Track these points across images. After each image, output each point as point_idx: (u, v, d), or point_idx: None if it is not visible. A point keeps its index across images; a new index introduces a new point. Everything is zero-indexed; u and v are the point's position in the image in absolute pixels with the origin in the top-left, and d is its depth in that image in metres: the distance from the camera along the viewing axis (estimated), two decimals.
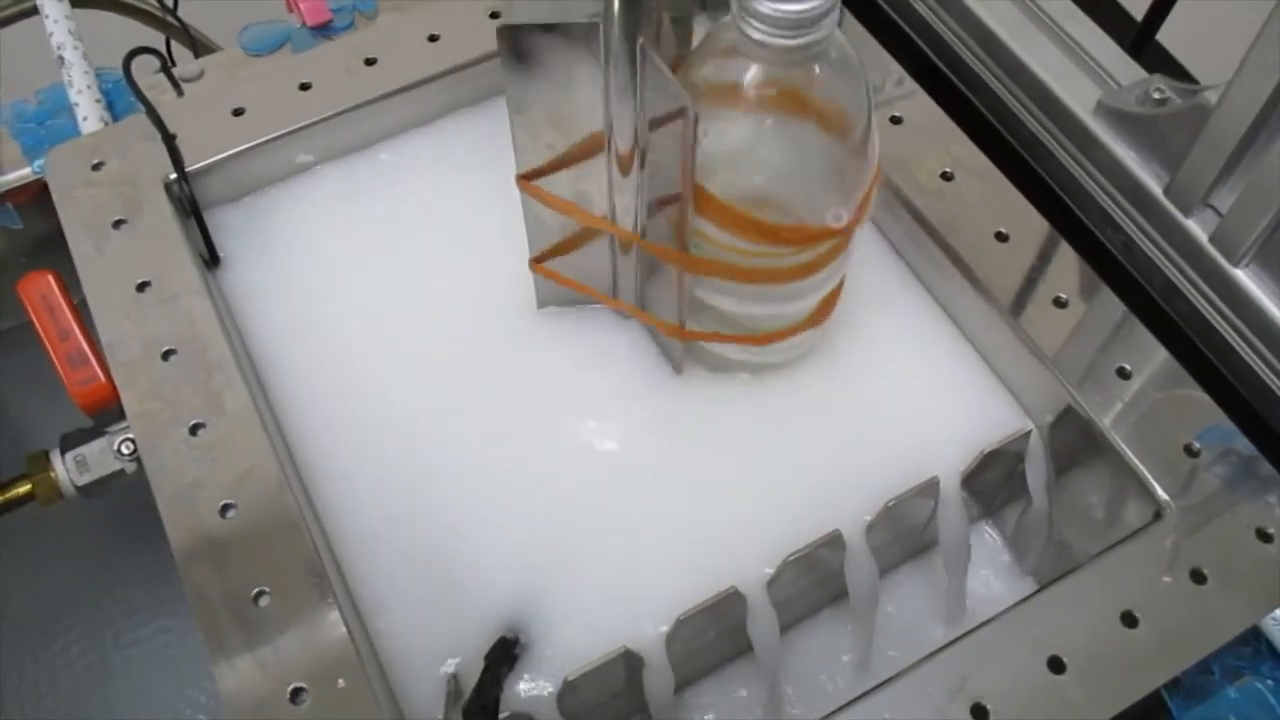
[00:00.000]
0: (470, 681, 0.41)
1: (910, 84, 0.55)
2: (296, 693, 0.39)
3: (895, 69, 0.55)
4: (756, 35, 0.36)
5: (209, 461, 0.44)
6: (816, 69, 0.38)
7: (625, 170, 0.40)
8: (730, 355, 0.49)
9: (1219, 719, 0.43)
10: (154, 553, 0.42)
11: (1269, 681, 0.44)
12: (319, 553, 0.42)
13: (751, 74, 0.38)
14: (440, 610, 0.44)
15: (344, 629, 0.40)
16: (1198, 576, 0.42)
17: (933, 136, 0.53)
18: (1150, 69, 0.52)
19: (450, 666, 0.43)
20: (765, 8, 0.35)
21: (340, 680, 0.39)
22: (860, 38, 0.56)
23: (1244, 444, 0.45)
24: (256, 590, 0.41)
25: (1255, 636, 0.45)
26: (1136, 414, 0.46)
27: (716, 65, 0.39)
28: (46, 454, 0.48)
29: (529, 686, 0.42)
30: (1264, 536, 0.43)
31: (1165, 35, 0.62)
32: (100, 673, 0.64)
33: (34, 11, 0.61)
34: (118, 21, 0.71)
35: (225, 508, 0.42)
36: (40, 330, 0.48)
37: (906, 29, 0.59)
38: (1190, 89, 0.47)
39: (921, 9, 0.57)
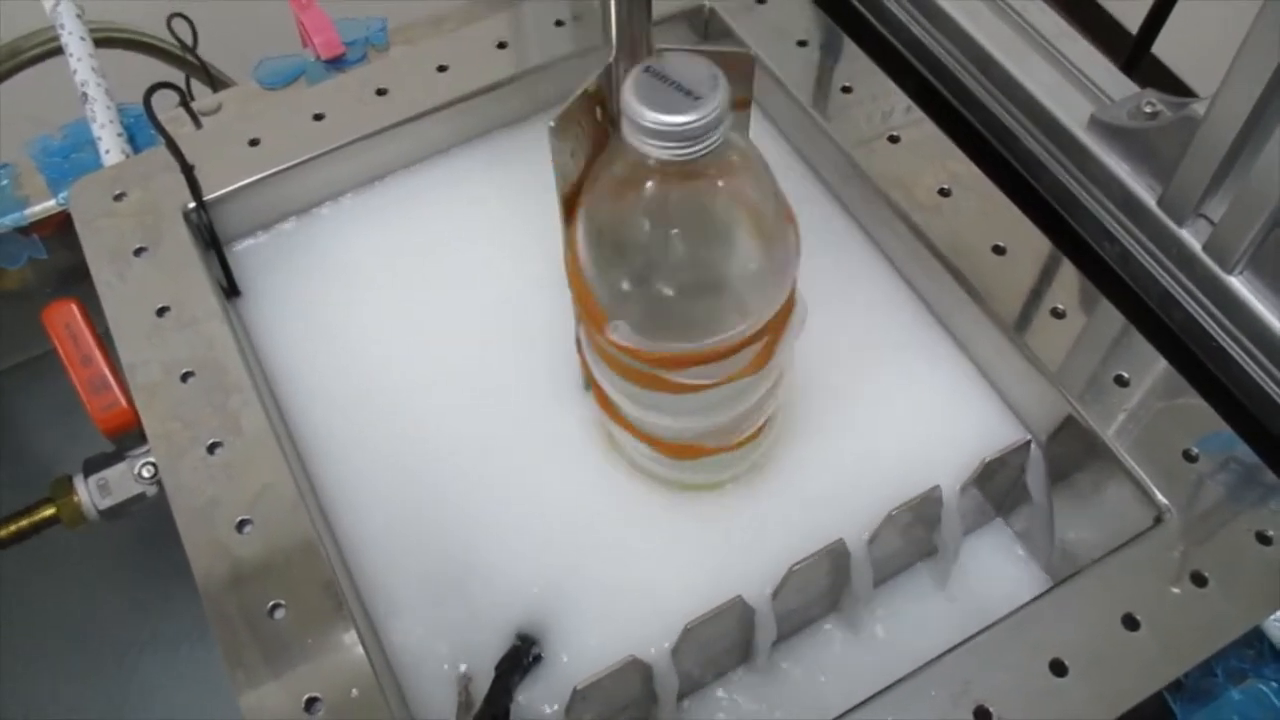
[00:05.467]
0: (482, 690, 0.42)
1: (907, 103, 0.56)
2: (311, 702, 0.40)
3: (892, 88, 0.56)
4: (650, 150, 0.35)
5: (226, 479, 0.45)
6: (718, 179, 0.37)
7: None
8: (614, 435, 0.48)
9: None
10: (182, 572, 0.43)
11: (1273, 683, 0.44)
12: (333, 566, 0.43)
13: (651, 186, 0.37)
14: (453, 620, 0.45)
15: (357, 639, 0.41)
16: (1198, 579, 0.42)
17: (930, 154, 0.54)
18: (1147, 84, 0.53)
19: (462, 675, 0.44)
20: (651, 123, 0.34)
21: (354, 690, 0.40)
22: (855, 57, 0.58)
23: (1243, 449, 0.45)
24: (272, 603, 0.42)
25: (1258, 639, 0.45)
26: (1135, 422, 0.46)
27: (620, 176, 0.38)
28: (70, 478, 0.49)
29: (538, 696, 0.43)
30: (1264, 539, 0.43)
31: (1162, 49, 0.63)
32: (126, 689, 0.65)
33: (59, 51, 0.63)
34: (140, 60, 0.73)
35: (242, 523, 0.44)
36: (64, 357, 0.49)
37: (903, 50, 0.60)
38: (1180, 101, 0.48)
39: (917, 30, 0.59)
